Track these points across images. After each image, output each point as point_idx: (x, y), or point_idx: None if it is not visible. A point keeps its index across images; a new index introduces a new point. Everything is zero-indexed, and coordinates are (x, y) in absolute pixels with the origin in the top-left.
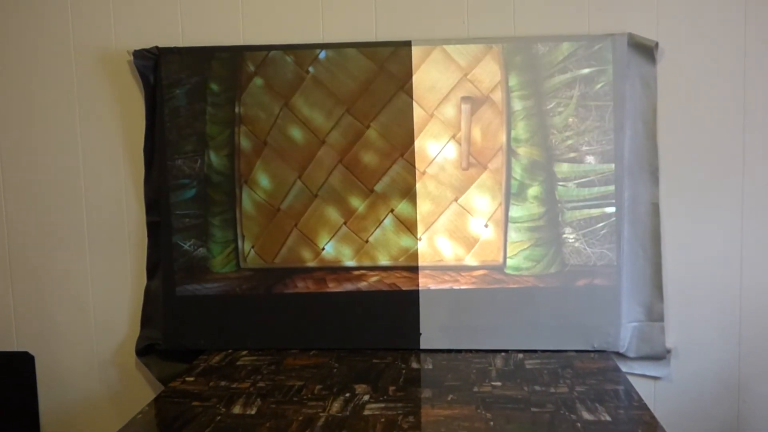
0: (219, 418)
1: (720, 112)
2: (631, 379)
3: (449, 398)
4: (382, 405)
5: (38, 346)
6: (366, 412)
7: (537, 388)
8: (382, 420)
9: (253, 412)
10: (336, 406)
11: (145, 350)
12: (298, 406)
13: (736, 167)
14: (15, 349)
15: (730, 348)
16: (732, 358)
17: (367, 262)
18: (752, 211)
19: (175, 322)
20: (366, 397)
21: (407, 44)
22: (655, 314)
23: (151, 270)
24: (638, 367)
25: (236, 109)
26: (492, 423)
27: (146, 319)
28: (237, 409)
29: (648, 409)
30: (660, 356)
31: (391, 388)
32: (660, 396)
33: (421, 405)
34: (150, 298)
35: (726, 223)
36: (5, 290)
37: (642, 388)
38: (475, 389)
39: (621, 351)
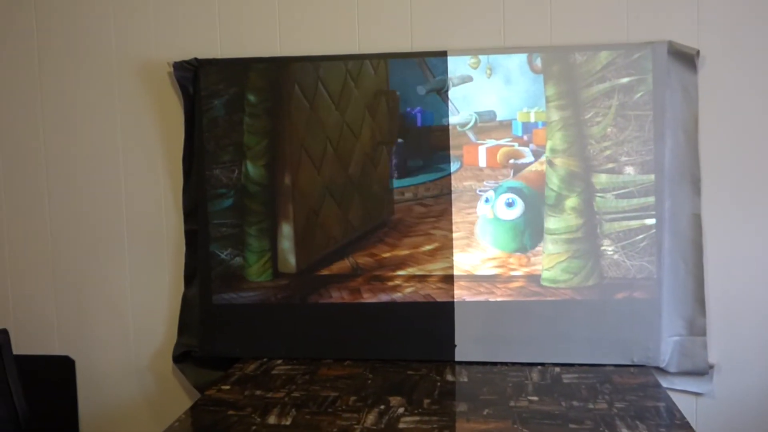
0: (254, 428)
1: (764, 121)
2: (672, 395)
3: (485, 412)
4: (417, 418)
5: (79, 351)
6: (401, 426)
7: (575, 403)
8: None
9: (287, 423)
10: (371, 419)
11: (181, 357)
12: (332, 417)
13: None
14: (57, 353)
15: None
16: None
17: (402, 252)
18: None
19: (211, 330)
20: (401, 410)
21: (443, 54)
22: (697, 328)
23: (189, 278)
24: (679, 383)
25: (277, 119)
26: None
27: (183, 327)
28: (272, 419)
29: (691, 428)
30: (702, 372)
31: (426, 400)
32: (702, 413)
33: (457, 419)
34: (187, 305)
35: None
36: (48, 295)
37: (684, 404)
38: (512, 404)
39: (661, 366)
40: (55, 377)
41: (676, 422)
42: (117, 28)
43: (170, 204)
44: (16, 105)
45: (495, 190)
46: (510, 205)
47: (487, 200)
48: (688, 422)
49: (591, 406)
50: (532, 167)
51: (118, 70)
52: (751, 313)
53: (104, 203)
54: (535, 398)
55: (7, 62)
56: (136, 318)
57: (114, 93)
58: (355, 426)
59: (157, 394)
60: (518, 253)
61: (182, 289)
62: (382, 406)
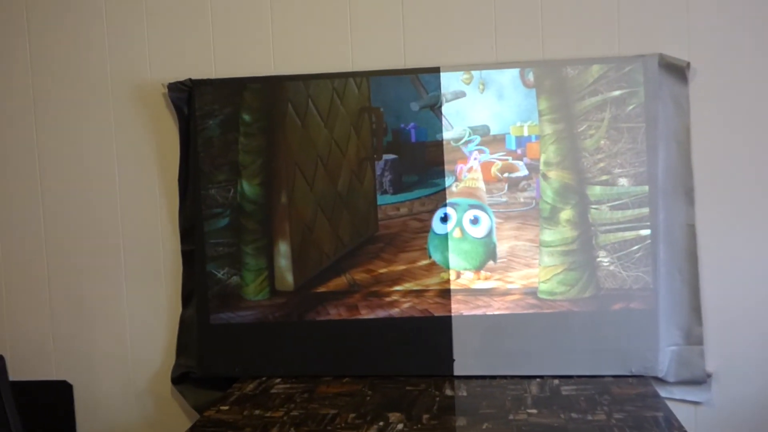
0: None
1: (755, 130)
2: (670, 404)
3: (484, 426)
4: None
5: (76, 375)
6: None
7: (574, 415)
8: None
9: None
10: None
11: (180, 378)
12: None
13: None
14: (54, 377)
15: None
16: None
17: (399, 267)
18: None
19: (210, 350)
20: (400, 426)
21: (436, 70)
22: (693, 338)
23: (186, 298)
24: (678, 392)
25: (272, 138)
26: None
27: (181, 348)
28: None
29: None
30: (700, 381)
31: (425, 416)
32: (701, 422)
33: None
34: (185, 326)
35: (765, 242)
36: (44, 320)
37: (682, 413)
38: (511, 417)
39: (660, 376)
40: (53, 403)
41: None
42: (111, 51)
43: (167, 224)
44: (11, 127)
45: (453, 207)
46: (475, 222)
47: (444, 219)
48: (686, 431)
49: (590, 417)
50: (467, 183)
51: (113, 91)
52: (748, 321)
53: (101, 225)
54: (534, 411)
55: (2, 86)
56: (134, 340)
57: (109, 114)
58: None
59: (157, 417)
60: (475, 270)
61: (180, 309)
62: (381, 423)
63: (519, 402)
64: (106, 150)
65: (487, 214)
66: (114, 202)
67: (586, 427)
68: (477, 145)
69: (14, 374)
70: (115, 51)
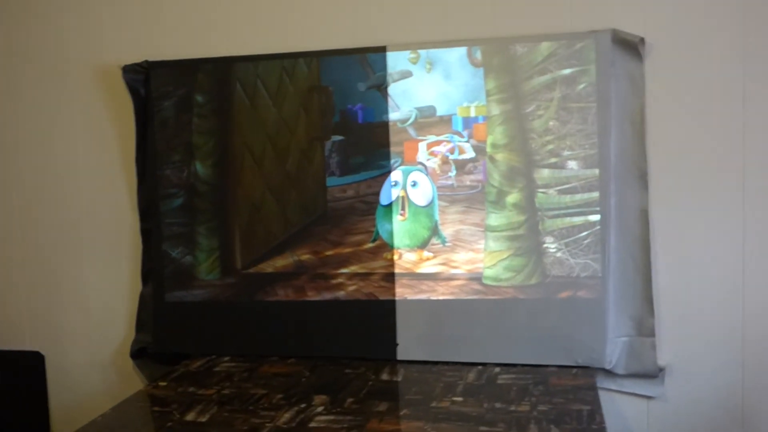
0: (169, 424)
1: (715, 110)
2: (622, 398)
3: (402, 413)
4: (332, 417)
5: (49, 346)
6: (312, 425)
7: (497, 405)
8: None
9: (203, 420)
10: (286, 417)
11: (138, 353)
12: (249, 415)
13: (734, 169)
14: (27, 348)
15: (731, 365)
16: (734, 377)
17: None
18: (753, 216)
19: (164, 327)
20: (320, 409)
21: (382, 49)
22: (645, 329)
23: (145, 276)
24: (629, 385)
25: (223, 119)
26: None
27: (141, 324)
28: (190, 416)
29: None
30: (652, 374)
31: (350, 400)
32: (654, 417)
33: (371, 419)
34: (144, 303)
35: (724, 230)
36: (19, 294)
37: (635, 407)
38: (434, 404)
39: (607, 367)
40: (25, 372)
41: (593, 427)
42: (67, 33)
43: (127, 204)
44: None
45: (402, 170)
46: (414, 185)
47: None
48: (605, 428)
49: (513, 408)
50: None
51: (69, 74)
52: (705, 313)
53: (65, 204)
54: (460, 399)
55: None
56: (99, 315)
57: (66, 97)
58: (267, 424)
59: (120, 390)
60: (417, 248)
61: (141, 286)
62: (303, 405)
63: (449, 389)
64: (65, 133)
65: (428, 180)
66: (77, 182)
67: (503, 418)
68: (412, 123)
69: None
70: (71, 34)
